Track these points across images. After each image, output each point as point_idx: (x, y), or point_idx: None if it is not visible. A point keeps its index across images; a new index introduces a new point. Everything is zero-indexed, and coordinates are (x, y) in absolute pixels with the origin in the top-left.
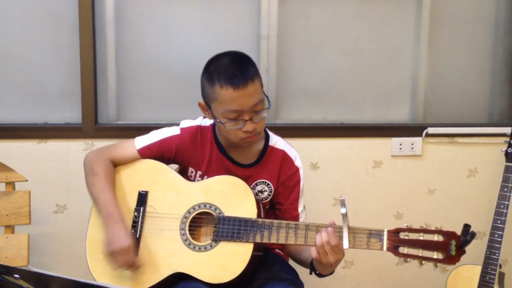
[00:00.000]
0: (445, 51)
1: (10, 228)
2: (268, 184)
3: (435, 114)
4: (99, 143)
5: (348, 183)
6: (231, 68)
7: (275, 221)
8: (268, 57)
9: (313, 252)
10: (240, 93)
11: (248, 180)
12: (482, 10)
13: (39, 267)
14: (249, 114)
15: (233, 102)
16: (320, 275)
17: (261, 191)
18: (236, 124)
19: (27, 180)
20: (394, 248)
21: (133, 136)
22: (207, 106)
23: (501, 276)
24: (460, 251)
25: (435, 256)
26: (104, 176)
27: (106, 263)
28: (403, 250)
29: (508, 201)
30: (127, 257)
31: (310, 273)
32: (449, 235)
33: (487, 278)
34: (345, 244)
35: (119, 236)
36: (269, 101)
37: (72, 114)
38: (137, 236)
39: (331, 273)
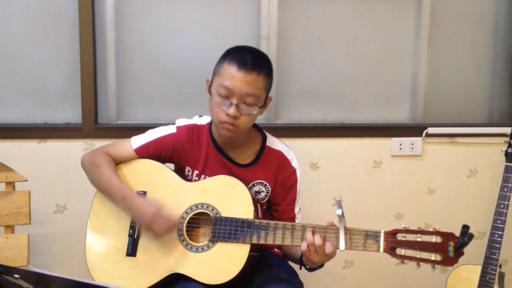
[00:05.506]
0: (445, 51)
1: (10, 228)
2: (266, 185)
3: (435, 114)
4: (99, 143)
5: (348, 183)
6: (247, 54)
7: (272, 222)
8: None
9: (303, 249)
10: (240, 75)
11: (245, 180)
12: (482, 10)
13: (39, 267)
14: (238, 99)
15: (230, 79)
16: (310, 269)
17: (259, 192)
18: (223, 103)
19: (27, 180)
20: (391, 249)
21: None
22: (211, 81)
23: (501, 276)
24: (458, 252)
25: (433, 258)
26: (109, 166)
27: (150, 238)
28: (400, 251)
29: (508, 201)
30: (167, 217)
31: (300, 268)
32: (447, 236)
33: (487, 278)
34: (341, 245)
35: (148, 205)
36: (264, 105)
37: (72, 114)
38: (135, 236)
39: (320, 267)
